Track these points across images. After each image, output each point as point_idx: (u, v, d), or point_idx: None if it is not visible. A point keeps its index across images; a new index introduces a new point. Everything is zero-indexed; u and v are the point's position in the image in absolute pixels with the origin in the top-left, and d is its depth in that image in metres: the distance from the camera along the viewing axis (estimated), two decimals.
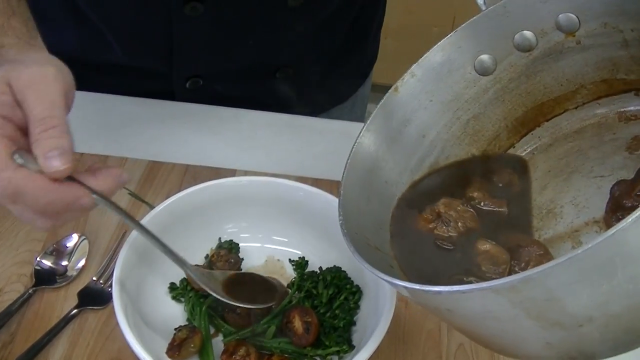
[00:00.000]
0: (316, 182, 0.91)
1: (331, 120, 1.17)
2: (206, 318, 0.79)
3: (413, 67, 0.73)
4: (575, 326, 0.51)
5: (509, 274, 0.64)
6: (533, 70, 0.74)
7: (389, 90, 0.73)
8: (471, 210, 0.70)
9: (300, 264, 0.86)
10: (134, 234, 0.77)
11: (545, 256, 0.66)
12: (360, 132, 0.71)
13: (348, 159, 0.69)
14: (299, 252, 0.87)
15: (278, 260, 0.88)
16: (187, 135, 1.06)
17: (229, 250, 0.85)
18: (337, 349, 0.77)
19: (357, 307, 0.82)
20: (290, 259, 0.87)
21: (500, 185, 0.74)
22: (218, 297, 0.76)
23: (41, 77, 0.64)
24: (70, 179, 0.63)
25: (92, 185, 0.64)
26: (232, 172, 0.99)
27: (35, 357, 0.76)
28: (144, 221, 0.79)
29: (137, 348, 0.68)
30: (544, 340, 0.54)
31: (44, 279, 0.83)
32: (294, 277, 0.85)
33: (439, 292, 0.52)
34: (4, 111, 0.63)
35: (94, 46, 1.06)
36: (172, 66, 1.07)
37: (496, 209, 0.71)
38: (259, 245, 0.88)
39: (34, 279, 0.83)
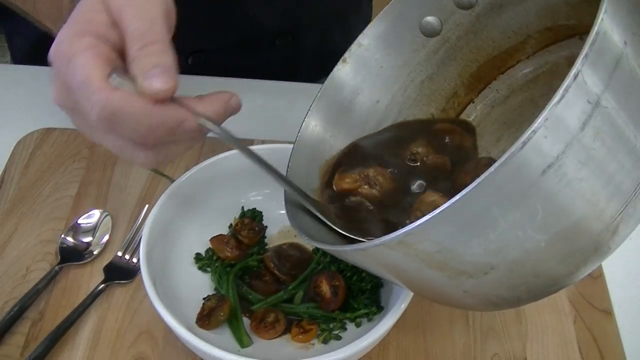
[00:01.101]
0: None
1: None
2: (234, 286, 0.79)
3: (359, 37, 0.73)
4: (481, 274, 0.52)
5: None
6: (479, 26, 0.74)
7: (338, 63, 0.73)
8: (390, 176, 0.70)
9: None
10: (157, 206, 0.77)
11: None
12: (310, 107, 0.72)
13: (297, 133, 0.71)
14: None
15: None
16: None
17: (252, 218, 0.85)
18: (366, 311, 0.77)
19: None
20: None
21: (448, 144, 0.74)
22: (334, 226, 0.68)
23: None
24: (173, 102, 0.57)
25: (197, 109, 0.58)
26: (249, 143, 0.99)
27: (65, 333, 0.76)
28: (165, 193, 0.79)
29: (169, 319, 0.68)
30: (459, 288, 0.55)
31: (70, 256, 0.83)
32: None
33: (345, 251, 0.55)
34: (99, 29, 0.56)
35: None
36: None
37: (439, 162, 0.71)
38: (282, 212, 0.88)
39: (59, 257, 0.83)
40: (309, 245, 0.86)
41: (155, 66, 0.55)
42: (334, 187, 0.71)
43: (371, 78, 0.75)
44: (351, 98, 0.75)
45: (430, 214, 0.46)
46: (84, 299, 0.79)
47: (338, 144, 0.75)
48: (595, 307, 0.85)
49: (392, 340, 0.79)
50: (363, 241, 0.59)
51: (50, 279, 0.81)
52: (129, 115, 0.54)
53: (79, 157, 0.96)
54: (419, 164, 0.71)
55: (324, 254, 0.82)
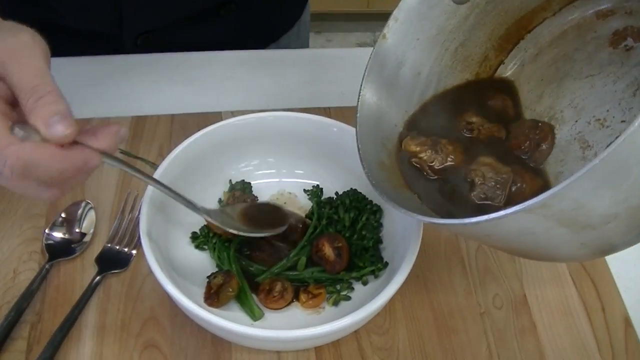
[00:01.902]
0: (304, 111, 0.89)
1: (301, 50, 1.16)
2: (236, 261, 0.78)
3: (394, 11, 0.75)
4: (604, 224, 0.54)
5: (511, 186, 0.68)
6: None
7: (378, 39, 0.75)
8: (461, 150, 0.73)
9: (315, 192, 0.85)
10: (152, 188, 0.75)
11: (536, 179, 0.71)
12: (361, 85, 0.73)
13: (356, 113, 0.72)
14: (314, 182, 0.86)
15: (290, 192, 0.87)
16: (163, 85, 1.03)
17: (242, 190, 0.84)
18: (372, 268, 0.77)
19: (381, 225, 0.82)
20: (304, 189, 0.86)
21: (495, 109, 0.77)
22: (239, 232, 0.76)
23: (20, 46, 0.59)
24: (74, 143, 0.59)
25: (95, 146, 0.60)
26: (218, 115, 0.97)
27: (69, 332, 0.74)
28: (155, 176, 0.77)
29: (183, 300, 0.67)
30: (578, 242, 0.57)
31: (58, 251, 0.81)
32: (312, 207, 0.84)
33: (477, 223, 0.55)
34: None
35: (40, 12, 1.01)
36: (122, 26, 1.04)
37: (495, 134, 0.75)
38: (271, 180, 0.87)
39: (47, 254, 0.80)
40: (302, 209, 0.86)
41: (54, 114, 0.56)
42: (403, 147, 0.73)
43: (410, 51, 0.77)
44: (395, 72, 0.76)
45: (577, 173, 0.48)
46: (81, 293, 0.77)
47: (394, 115, 0.76)
48: None
49: (397, 294, 0.79)
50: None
51: (42, 278, 0.78)
52: (40, 164, 0.57)
53: None
54: (475, 133, 0.75)
55: (319, 217, 0.81)
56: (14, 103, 0.59)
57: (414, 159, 0.72)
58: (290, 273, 0.78)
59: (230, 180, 0.86)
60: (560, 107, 0.76)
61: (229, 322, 0.66)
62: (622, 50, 0.72)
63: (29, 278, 0.78)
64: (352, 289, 0.78)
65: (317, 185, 0.86)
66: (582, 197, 0.51)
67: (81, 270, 0.80)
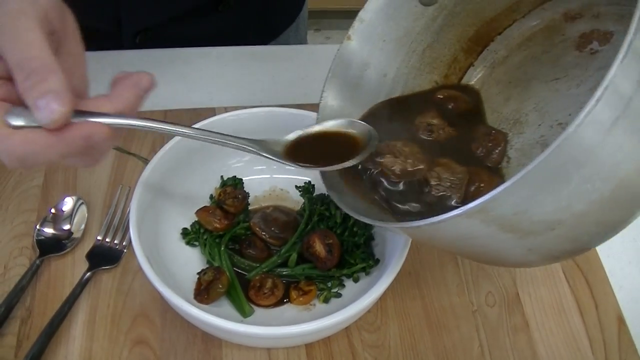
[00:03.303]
0: (298, 107, 0.89)
1: (296, 47, 1.16)
2: (227, 257, 0.78)
3: (360, 13, 0.74)
4: (549, 230, 0.54)
5: (467, 187, 0.68)
6: None
7: (343, 41, 0.74)
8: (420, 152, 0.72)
9: (306, 189, 0.85)
10: (139, 186, 0.75)
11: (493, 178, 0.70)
12: (323, 88, 0.73)
13: (317, 115, 0.72)
14: (305, 179, 0.86)
15: (281, 189, 0.87)
16: (157, 81, 1.02)
17: (234, 186, 0.83)
18: (363, 265, 0.77)
19: None
20: (296, 186, 0.86)
21: (456, 113, 0.77)
22: (290, 164, 0.66)
23: (7, 18, 0.53)
24: (79, 114, 0.53)
25: (106, 110, 0.55)
26: (211, 111, 0.97)
27: (59, 327, 0.74)
28: (145, 172, 0.76)
29: (172, 297, 0.67)
30: (524, 247, 0.57)
31: (49, 247, 0.80)
32: (303, 203, 0.84)
33: (418, 227, 0.55)
34: None
35: None
36: (120, 24, 1.04)
37: (454, 137, 0.74)
38: (263, 177, 0.87)
39: (37, 250, 0.80)
40: (293, 205, 0.85)
41: (43, 94, 0.51)
42: None
43: (376, 52, 0.76)
44: (360, 74, 0.76)
45: (513, 178, 0.48)
46: (72, 289, 0.77)
47: (359, 118, 0.75)
48: None
49: (388, 291, 0.79)
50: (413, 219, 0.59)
51: (32, 274, 0.78)
52: (35, 154, 0.52)
53: None
54: (434, 135, 0.73)
55: (311, 213, 0.81)
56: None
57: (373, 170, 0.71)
58: (281, 270, 0.78)
59: (222, 176, 0.85)
60: (525, 111, 0.75)
61: (218, 318, 0.66)
62: (588, 53, 0.72)
63: (20, 274, 0.78)
64: (343, 286, 0.77)
65: (309, 181, 0.85)
66: (521, 202, 0.50)
67: (72, 266, 0.80)
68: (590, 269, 0.85)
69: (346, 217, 0.81)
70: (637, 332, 0.80)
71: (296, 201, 0.86)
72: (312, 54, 1.11)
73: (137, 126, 0.58)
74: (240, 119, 0.82)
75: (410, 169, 0.70)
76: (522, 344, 0.78)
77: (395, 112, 0.76)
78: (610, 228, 0.58)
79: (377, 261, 0.77)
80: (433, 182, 0.68)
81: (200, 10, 1.09)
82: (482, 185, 0.68)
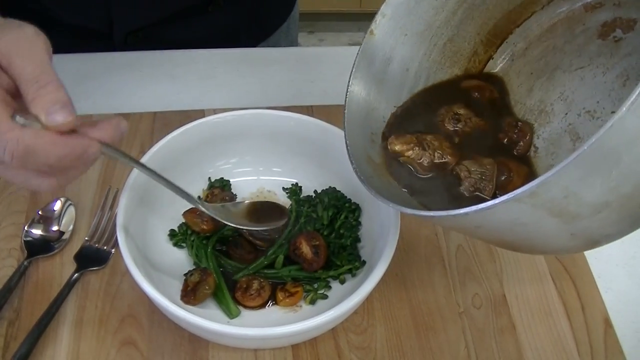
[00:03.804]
0: (287, 109, 0.89)
1: (286, 49, 1.16)
2: (214, 259, 0.78)
3: (382, 7, 0.75)
4: (595, 213, 0.54)
5: (496, 178, 0.68)
6: None
7: (366, 35, 0.75)
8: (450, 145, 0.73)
9: (294, 190, 0.85)
10: (127, 189, 0.75)
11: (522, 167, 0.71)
12: (349, 81, 0.73)
13: (344, 109, 0.72)
14: (293, 180, 0.86)
15: (269, 191, 0.87)
16: (146, 83, 1.03)
17: (221, 188, 0.84)
18: (350, 266, 0.77)
19: (359, 223, 0.82)
20: (283, 187, 0.86)
21: (483, 102, 0.77)
22: (238, 226, 0.77)
23: (23, 38, 0.61)
24: (74, 132, 0.61)
25: (95, 136, 0.62)
26: (201, 113, 0.97)
27: (46, 328, 0.74)
28: (133, 174, 0.77)
29: (159, 298, 0.67)
30: (569, 232, 0.57)
31: (37, 248, 0.81)
32: (290, 205, 0.84)
33: (466, 214, 0.54)
34: None
35: (33, 5, 1.02)
36: (112, 25, 1.04)
37: (481, 128, 0.75)
38: (250, 178, 0.87)
39: (25, 251, 0.80)
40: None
41: (55, 103, 0.58)
42: (388, 147, 0.73)
43: (398, 46, 0.77)
44: (383, 68, 0.76)
45: (565, 160, 0.48)
46: (59, 290, 0.77)
47: (383, 111, 0.76)
48: None
49: (375, 292, 0.80)
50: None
51: (20, 275, 0.78)
52: (40, 149, 0.58)
53: None
54: (460, 125, 0.74)
55: (298, 214, 0.81)
56: (15, 94, 0.60)
57: (401, 158, 0.72)
58: (268, 271, 0.78)
59: (210, 178, 0.86)
60: (550, 101, 0.75)
61: (204, 319, 0.66)
62: (611, 41, 0.72)
63: (8, 275, 0.78)
64: (330, 287, 0.78)
65: (296, 183, 0.86)
66: (571, 185, 0.51)
67: (60, 267, 0.80)
68: (578, 271, 0.85)
69: (333, 218, 0.81)
70: (624, 335, 0.80)
71: (283, 203, 0.86)
72: (302, 56, 1.12)
73: (120, 158, 0.66)
74: (226, 121, 0.82)
75: (437, 162, 0.71)
76: (509, 346, 0.78)
77: (423, 103, 0.78)
78: None
79: (363, 263, 0.78)
80: (463, 175, 0.69)
81: (190, 11, 1.10)
82: (511, 175, 0.69)
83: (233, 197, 0.84)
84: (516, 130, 0.74)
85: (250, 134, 0.84)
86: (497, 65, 0.81)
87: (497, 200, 0.52)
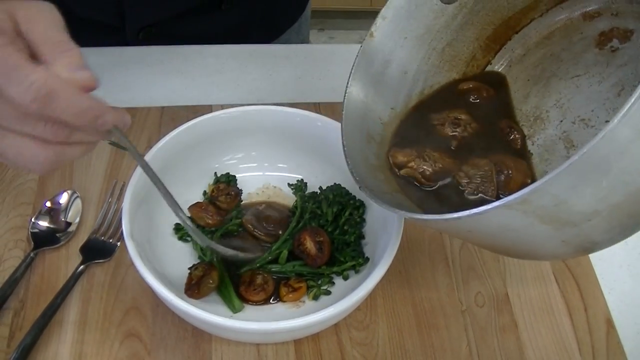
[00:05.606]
0: (294, 106, 0.89)
1: (294, 46, 1.16)
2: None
3: (382, 10, 0.76)
4: (585, 221, 0.55)
5: (497, 176, 0.69)
6: None
7: (365, 37, 0.76)
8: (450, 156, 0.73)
9: (299, 187, 0.86)
10: (133, 182, 0.75)
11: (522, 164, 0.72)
12: (347, 82, 0.74)
13: (342, 110, 0.73)
14: (298, 176, 0.87)
15: (274, 186, 0.88)
16: (155, 78, 1.04)
17: (227, 183, 0.84)
18: (353, 263, 0.77)
19: (363, 220, 0.82)
20: (288, 183, 0.87)
21: (480, 102, 0.78)
22: (211, 246, 0.73)
23: (44, 10, 0.60)
24: None
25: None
26: (208, 108, 0.98)
27: (51, 319, 0.75)
28: (138, 169, 0.77)
29: (162, 291, 0.67)
30: (559, 239, 0.58)
31: (43, 240, 0.81)
32: (295, 201, 0.84)
33: (458, 218, 0.55)
34: (10, 35, 0.58)
35: None
36: (124, 20, 1.05)
37: (478, 130, 0.75)
38: (256, 174, 0.88)
39: (32, 242, 0.81)
40: (286, 203, 0.86)
41: (78, 63, 0.57)
42: (390, 159, 0.74)
43: (397, 49, 0.78)
44: (382, 70, 0.77)
45: (557, 169, 0.48)
46: (65, 282, 0.78)
47: (380, 112, 0.77)
48: None
49: (378, 290, 0.80)
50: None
51: (26, 266, 0.79)
52: (64, 96, 0.55)
53: None
54: (459, 129, 0.75)
55: (303, 211, 0.82)
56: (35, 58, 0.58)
57: (403, 170, 0.72)
58: (272, 266, 0.79)
59: (216, 173, 0.86)
60: (546, 107, 0.76)
61: (207, 313, 0.67)
62: (608, 51, 0.72)
63: (14, 266, 0.79)
64: (333, 283, 0.78)
65: (302, 179, 0.86)
66: (562, 193, 0.51)
67: (66, 259, 0.81)
68: (581, 271, 0.85)
69: (337, 215, 0.82)
70: (626, 336, 0.80)
71: (288, 198, 0.86)
72: (310, 53, 1.12)
73: (124, 144, 0.64)
74: (233, 116, 0.83)
75: (439, 171, 0.71)
76: (510, 344, 0.78)
77: (423, 113, 0.78)
78: (637, 222, 0.59)
79: (366, 259, 0.78)
80: (464, 182, 0.69)
81: (203, 8, 1.10)
82: (510, 171, 0.69)
83: (238, 192, 0.84)
84: (510, 136, 0.75)
85: (257, 130, 0.84)
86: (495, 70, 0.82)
87: (488, 206, 0.52)
